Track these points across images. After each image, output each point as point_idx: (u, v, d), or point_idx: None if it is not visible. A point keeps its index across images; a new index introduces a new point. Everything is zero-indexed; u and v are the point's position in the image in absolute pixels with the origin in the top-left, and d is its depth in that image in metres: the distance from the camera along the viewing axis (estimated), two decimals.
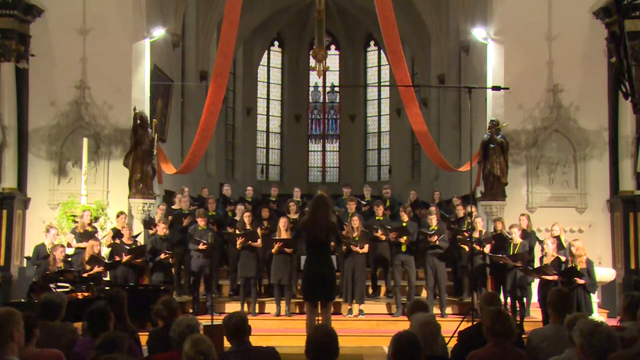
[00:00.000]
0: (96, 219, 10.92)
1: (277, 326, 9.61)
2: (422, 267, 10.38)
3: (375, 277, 11.23)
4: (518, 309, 9.51)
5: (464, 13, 14.28)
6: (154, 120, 12.09)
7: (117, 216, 10.54)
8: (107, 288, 8.40)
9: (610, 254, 11.19)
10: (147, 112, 11.81)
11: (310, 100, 22.10)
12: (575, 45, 11.55)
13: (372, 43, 21.49)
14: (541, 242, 9.63)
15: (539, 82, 11.62)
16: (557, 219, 10.36)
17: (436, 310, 9.59)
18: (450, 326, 8.11)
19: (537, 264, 9.55)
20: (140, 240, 10.71)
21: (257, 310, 10.11)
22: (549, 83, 11.63)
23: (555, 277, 8.62)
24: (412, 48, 18.78)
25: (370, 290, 11.00)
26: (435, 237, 9.73)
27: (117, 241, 9.98)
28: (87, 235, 9.87)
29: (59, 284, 8.34)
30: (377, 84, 21.41)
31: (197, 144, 11.49)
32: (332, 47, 21.40)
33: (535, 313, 9.58)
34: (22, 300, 8.12)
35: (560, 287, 5.93)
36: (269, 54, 21.41)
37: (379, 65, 21.50)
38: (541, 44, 11.63)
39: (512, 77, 11.27)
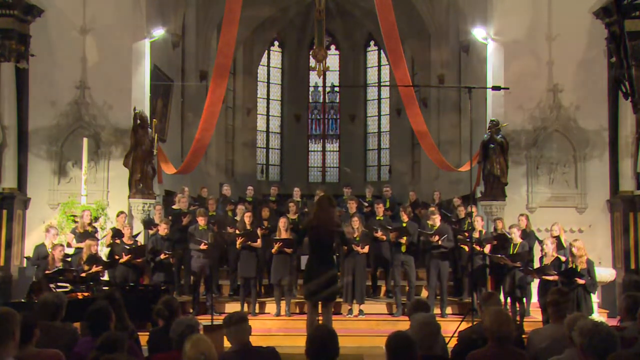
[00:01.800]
0: (96, 219, 10.93)
1: (277, 326, 9.61)
2: (423, 267, 10.39)
3: (376, 277, 11.23)
4: (518, 309, 9.51)
5: (464, 13, 14.28)
6: (154, 120, 12.09)
7: (117, 216, 10.55)
8: (105, 288, 8.41)
9: (610, 254, 11.19)
10: (147, 112, 11.81)
11: (310, 100, 22.08)
12: (575, 45, 11.55)
13: (372, 43, 21.47)
14: (540, 242, 9.64)
15: (539, 82, 11.63)
16: (557, 219, 10.37)
17: (436, 310, 9.60)
18: (450, 326, 8.11)
19: (536, 264, 9.56)
20: (140, 240, 10.72)
21: (257, 310, 10.11)
22: (549, 83, 11.63)
23: (555, 278, 8.63)
24: (412, 48, 18.78)
25: (371, 290, 11.00)
26: (437, 237, 9.73)
27: (117, 241, 9.99)
28: (87, 235, 9.87)
29: (59, 284, 8.35)
30: (377, 84, 21.39)
31: (197, 143, 11.50)
32: (332, 47, 21.39)
33: (535, 313, 9.58)
34: (22, 300, 8.11)
35: (560, 287, 5.93)
36: (269, 54, 21.39)
37: (379, 65, 21.48)
38: (541, 44, 11.64)
39: (512, 77, 11.27)
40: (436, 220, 10.00)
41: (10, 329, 3.51)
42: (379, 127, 21.58)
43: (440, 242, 9.75)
